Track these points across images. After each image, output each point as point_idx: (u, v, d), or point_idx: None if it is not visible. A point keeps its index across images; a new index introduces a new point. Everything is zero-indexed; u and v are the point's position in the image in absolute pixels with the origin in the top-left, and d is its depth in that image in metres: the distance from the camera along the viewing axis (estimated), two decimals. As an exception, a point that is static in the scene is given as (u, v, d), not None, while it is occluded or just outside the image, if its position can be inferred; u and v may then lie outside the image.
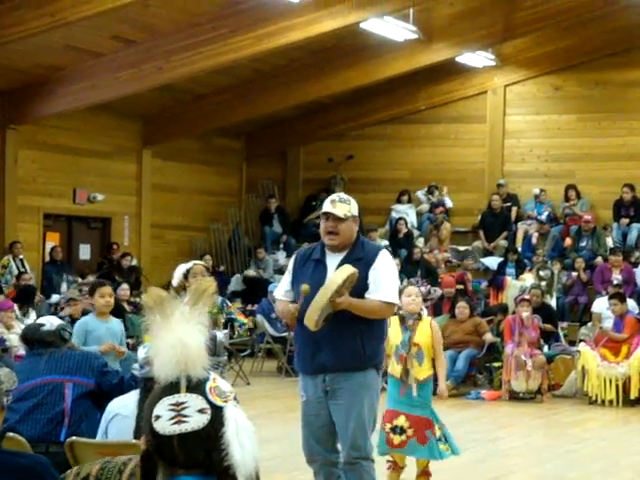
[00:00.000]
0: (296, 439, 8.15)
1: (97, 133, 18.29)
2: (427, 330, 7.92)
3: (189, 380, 2.34)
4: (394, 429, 7.78)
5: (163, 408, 2.32)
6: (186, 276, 8.29)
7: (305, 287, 6.09)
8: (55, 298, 15.08)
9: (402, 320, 7.93)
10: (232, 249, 21.01)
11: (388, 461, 8.02)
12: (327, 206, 6.22)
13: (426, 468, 7.95)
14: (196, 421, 2.30)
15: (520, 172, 20.07)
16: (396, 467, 8.04)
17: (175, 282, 8.58)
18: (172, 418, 2.31)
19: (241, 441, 2.30)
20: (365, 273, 6.13)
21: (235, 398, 2.40)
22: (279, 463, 8.58)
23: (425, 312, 8.47)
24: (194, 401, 2.32)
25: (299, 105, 19.58)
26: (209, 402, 2.32)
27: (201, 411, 2.31)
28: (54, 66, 15.78)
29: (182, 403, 2.31)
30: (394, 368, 7.90)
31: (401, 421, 7.77)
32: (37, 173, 17.37)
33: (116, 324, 8.69)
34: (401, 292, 7.80)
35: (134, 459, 3.05)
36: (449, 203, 20.07)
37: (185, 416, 2.30)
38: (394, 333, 7.92)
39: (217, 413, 2.32)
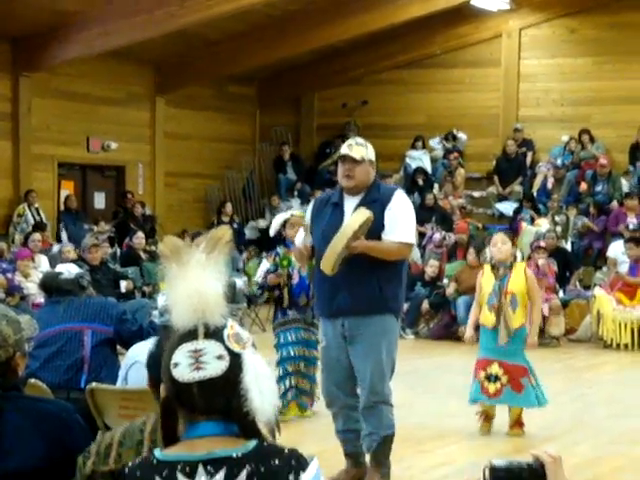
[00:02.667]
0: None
1: (110, 80, 18.22)
2: (521, 277, 7.84)
3: (207, 327, 2.34)
4: (489, 377, 7.79)
5: (181, 355, 2.33)
6: (284, 226, 8.39)
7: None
8: (56, 248, 15.07)
9: (494, 268, 7.89)
10: (246, 197, 21.01)
11: (478, 412, 8.03)
12: (344, 149, 6.28)
13: (519, 418, 7.93)
14: (214, 368, 2.31)
15: (535, 117, 19.94)
16: (487, 418, 8.02)
17: (272, 232, 8.75)
18: (191, 365, 2.31)
19: (260, 387, 2.31)
20: (381, 214, 6.16)
21: (253, 345, 2.41)
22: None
23: (519, 258, 8.41)
24: (212, 347, 2.32)
25: (313, 50, 19.45)
26: (227, 349, 2.33)
27: (219, 357, 2.32)
28: (66, 12, 15.69)
29: (200, 350, 2.32)
30: (486, 317, 7.88)
31: (495, 369, 7.78)
32: (51, 121, 17.35)
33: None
34: (488, 242, 7.86)
35: (153, 415, 3.08)
36: (463, 138, 19.91)
37: (203, 363, 2.31)
38: (486, 282, 7.92)
39: (235, 359, 2.33)
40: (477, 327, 8.11)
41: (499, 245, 7.85)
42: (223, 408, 2.32)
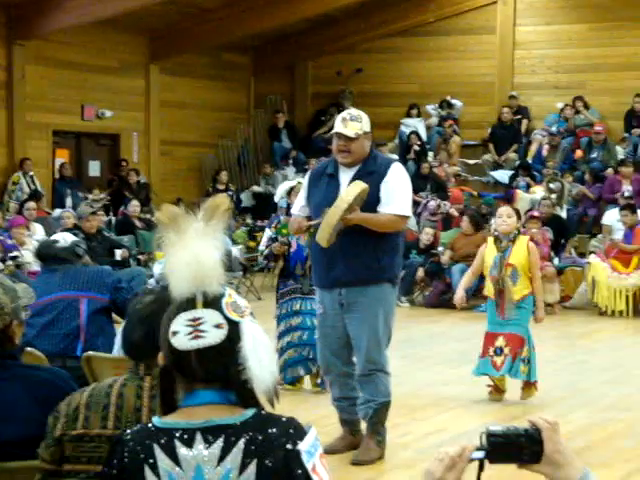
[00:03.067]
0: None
1: (104, 48, 18.15)
2: (523, 250, 7.85)
3: (205, 296, 2.34)
4: (496, 351, 7.86)
5: (180, 324, 2.33)
6: (289, 193, 8.34)
7: (326, 211, 6.09)
8: (57, 212, 15.06)
9: (497, 241, 7.90)
10: (241, 165, 20.98)
11: (488, 385, 8.07)
12: (338, 126, 6.22)
13: (532, 392, 7.97)
14: (213, 336, 2.31)
15: (530, 84, 19.88)
16: (498, 390, 8.05)
17: (277, 198, 8.71)
18: (189, 333, 2.32)
19: (259, 356, 2.31)
20: (377, 186, 6.14)
21: (251, 314, 2.41)
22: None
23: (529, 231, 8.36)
24: (211, 316, 2.33)
25: (307, 19, 19.36)
26: (225, 317, 2.33)
27: (218, 326, 2.32)
28: (59, -19, 15.62)
29: (199, 318, 2.32)
30: (489, 289, 7.95)
31: (500, 342, 7.85)
32: (45, 89, 17.28)
33: None
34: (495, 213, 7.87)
35: (119, 379, 3.09)
36: (458, 104, 19.87)
37: (202, 331, 2.31)
38: (489, 254, 7.95)
39: (234, 328, 2.33)
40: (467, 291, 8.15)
41: (504, 218, 7.87)
42: (221, 376, 2.33)
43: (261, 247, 8.71)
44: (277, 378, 2.38)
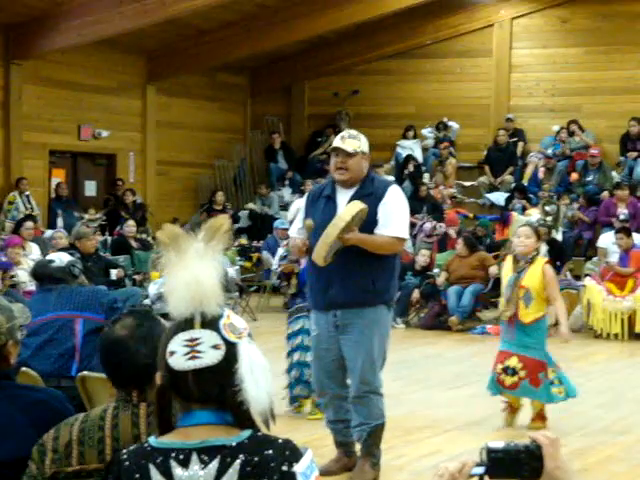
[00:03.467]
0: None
1: (101, 69, 18.19)
2: (538, 273, 7.71)
3: (203, 316, 2.34)
4: (505, 369, 7.74)
5: (177, 344, 2.34)
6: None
7: (308, 222, 6.14)
8: (49, 232, 15.03)
9: (515, 260, 7.82)
10: (237, 186, 20.99)
11: (503, 402, 7.98)
12: (337, 142, 6.26)
13: (541, 412, 7.88)
14: (210, 357, 2.32)
15: (526, 106, 19.95)
16: (512, 409, 7.96)
17: (290, 216, 8.66)
18: (187, 354, 2.32)
19: (255, 377, 2.31)
20: (375, 208, 6.15)
21: (249, 335, 2.41)
22: (285, 398, 8.63)
23: (542, 253, 8.29)
24: (208, 337, 2.33)
25: (304, 40, 19.43)
26: (223, 338, 2.33)
27: (215, 347, 2.32)
28: (58, 0, 15.65)
29: (196, 339, 2.33)
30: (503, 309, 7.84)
31: (513, 362, 7.72)
32: (42, 109, 17.30)
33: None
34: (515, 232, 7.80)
35: (109, 409, 3.05)
36: (455, 126, 19.92)
37: (199, 352, 2.32)
38: (505, 273, 7.87)
39: (231, 349, 2.33)
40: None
41: (522, 238, 7.75)
42: (218, 397, 2.32)
43: (274, 266, 8.66)
44: (273, 400, 2.37)
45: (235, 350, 2.33)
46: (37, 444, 2.96)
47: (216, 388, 2.32)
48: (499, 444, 2.11)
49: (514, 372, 7.73)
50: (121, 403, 3.04)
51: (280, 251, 8.50)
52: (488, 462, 2.09)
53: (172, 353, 2.34)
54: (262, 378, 2.32)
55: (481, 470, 2.09)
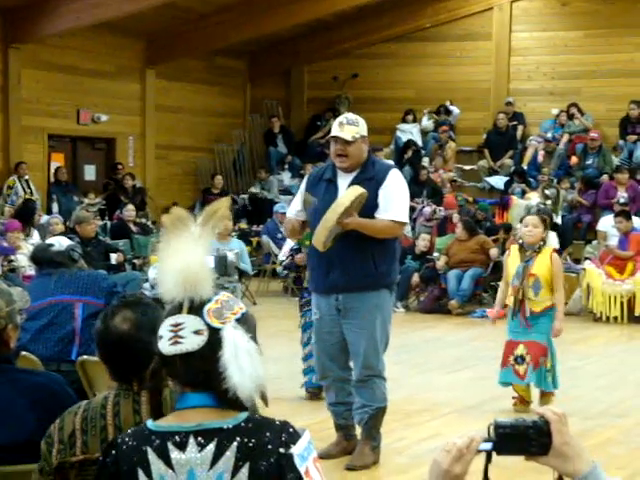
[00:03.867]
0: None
1: (100, 52, 18.14)
2: (547, 261, 7.67)
3: (192, 302, 2.35)
4: (516, 359, 7.72)
5: (164, 328, 2.35)
6: None
7: (307, 197, 6.13)
8: (45, 218, 15.02)
9: (522, 249, 7.76)
10: (237, 170, 20.98)
11: (513, 397, 7.93)
12: (335, 129, 6.22)
13: (549, 402, 7.80)
14: (191, 342, 2.31)
15: (526, 90, 19.92)
16: (522, 401, 7.90)
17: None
18: (170, 339, 2.33)
19: (239, 363, 2.28)
20: (375, 192, 6.14)
21: (239, 319, 2.38)
22: (284, 382, 8.66)
23: (553, 242, 8.16)
24: (191, 322, 2.32)
25: (303, 24, 19.38)
26: (206, 323, 2.33)
27: (197, 332, 2.32)
28: (56, -16, 15.62)
29: (180, 324, 2.33)
30: (509, 298, 7.77)
31: (520, 350, 7.71)
32: (41, 93, 17.27)
33: (235, 243, 8.54)
34: (521, 221, 7.73)
35: (110, 396, 3.05)
36: (456, 111, 19.89)
37: (181, 337, 2.32)
38: (512, 262, 7.79)
39: (214, 335, 2.32)
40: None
41: (530, 227, 7.70)
42: (205, 382, 2.32)
43: (281, 257, 8.64)
44: (262, 384, 2.34)
45: (218, 335, 2.32)
46: (45, 437, 2.96)
47: (201, 373, 2.31)
48: (507, 420, 2.10)
49: (522, 360, 7.71)
50: (122, 391, 3.03)
51: (290, 242, 8.46)
52: (496, 438, 2.09)
53: (160, 337, 2.35)
54: (247, 363, 2.29)
55: (489, 446, 2.08)
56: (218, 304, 2.36)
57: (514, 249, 7.90)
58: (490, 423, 2.09)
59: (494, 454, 2.10)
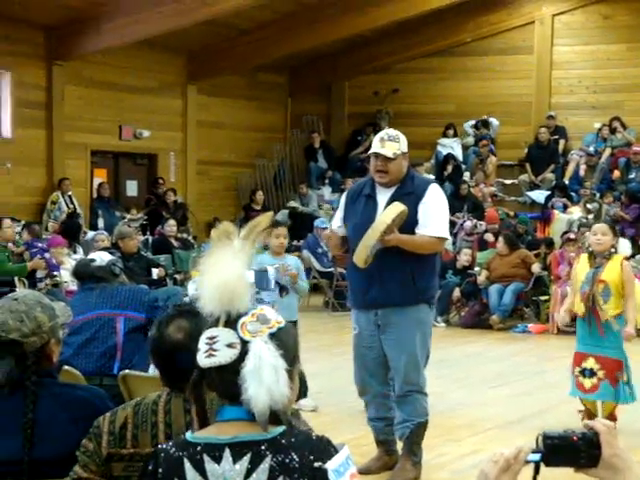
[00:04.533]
0: (343, 373, 8.23)
1: (142, 69, 18.29)
2: (617, 268, 7.53)
3: (228, 315, 2.37)
4: (583, 372, 7.56)
5: (202, 341, 2.38)
6: None
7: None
8: (91, 234, 15.14)
9: (591, 257, 7.64)
10: (277, 185, 21.03)
11: (580, 411, 7.76)
12: (376, 145, 6.21)
13: (613, 411, 7.65)
14: (224, 355, 2.33)
15: (568, 104, 19.81)
16: (590, 416, 7.65)
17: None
18: (206, 351, 2.35)
19: (260, 376, 2.28)
20: (415, 208, 6.13)
21: (280, 330, 2.38)
22: (325, 397, 8.65)
23: (625, 248, 7.98)
24: (225, 335, 2.35)
25: (343, 39, 19.41)
26: (239, 337, 2.34)
27: (230, 345, 2.33)
28: (98, 2, 15.75)
29: (215, 337, 2.35)
30: (579, 306, 7.61)
31: (590, 363, 7.53)
32: (83, 110, 17.43)
33: (290, 260, 8.60)
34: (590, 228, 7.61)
35: (163, 394, 3.08)
36: (495, 123, 19.83)
37: (215, 350, 2.34)
38: (581, 270, 7.67)
39: (246, 348, 2.33)
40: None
41: (599, 236, 7.56)
42: (238, 395, 2.32)
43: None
44: (288, 400, 2.33)
45: (246, 348, 2.33)
46: (93, 426, 3.02)
47: (235, 386, 2.32)
48: (555, 431, 2.08)
49: (592, 373, 7.53)
50: (174, 391, 3.07)
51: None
52: (544, 449, 2.06)
53: (198, 350, 2.38)
54: (268, 378, 2.28)
55: (537, 457, 2.06)
56: (254, 317, 2.37)
57: (583, 257, 7.77)
58: (539, 434, 2.07)
59: (542, 465, 2.07)
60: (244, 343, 2.33)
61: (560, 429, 2.09)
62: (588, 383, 7.56)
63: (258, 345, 2.33)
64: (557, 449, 2.06)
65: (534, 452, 2.06)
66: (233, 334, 2.34)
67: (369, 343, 6.32)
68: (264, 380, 2.28)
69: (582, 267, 7.72)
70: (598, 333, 7.53)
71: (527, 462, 2.05)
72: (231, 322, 2.36)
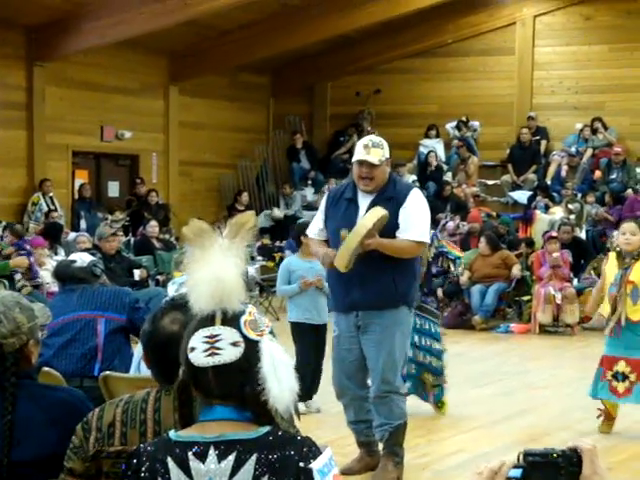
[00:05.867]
0: (325, 374, 8.22)
1: (124, 69, 18.24)
2: None
3: (225, 313, 2.35)
4: (615, 376, 7.44)
5: (198, 340, 2.35)
6: None
7: (343, 234, 6.08)
8: (72, 235, 15.08)
9: (620, 257, 7.49)
10: (260, 186, 21.01)
11: (599, 409, 7.69)
12: (361, 152, 6.17)
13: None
14: (229, 354, 2.32)
15: (549, 104, 19.87)
16: (609, 417, 7.67)
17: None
18: (206, 350, 2.33)
19: (278, 376, 2.31)
20: (396, 212, 6.13)
21: (271, 332, 2.41)
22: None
23: None
24: (228, 334, 2.34)
25: (326, 40, 19.41)
26: (243, 335, 2.34)
27: (234, 344, 2.33)
28: (80, 2, 15.71)
29: (216, 335, 2.34)
30: (605, 307, 7.50)
31: (621, 366, 7.43)
32: (65, 110, 17.37)
33: (318, 265, 8.57)
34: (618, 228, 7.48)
35: (152, 392, 3.07)
36: (476, 124, 19.86)
37: (218, 349, 2.33)
38: (610, 270, 7.53)
39: (251, 347, 2.33)
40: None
41: (628, 235, 7.43)
42: (237, 394, 2.33)
43: None
44: (296, 397, 2.37)
45: (255, 348, 2.34)
46: (82, 422, 2.99)
47: (235, 385, 2.32)
48: (536, 449, 2.11)
49: (624, 377, 7.43)
50: (163, 389, 3.05)
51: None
52: (525, 465, 2.09)
53: (192, 349, 2.35)
54: (285, 376, 2.32)
55: (518, 473, 2.09)
56: (252, 316, 2.38)
57: (612, 256, 7.65)
58: (520, 451, 2.10)
59: None
60: (248, 341, 2.33)
61: (541, 447, 2.11)
62: (621, 387, 7.47)
63: (267, 344, 2.35)
64: (538, 466, 2.09)
65: (515, 467, 2.08)
66: (236, 332, 2.34)
67: (348, 345, 6.32)
68: (282, 379, 2.31)
69: (611, 267, 7.58)
70: (625, 334, 7.40)
71: (509, 478, 2.08)
72: (228, 320, 2.35)
